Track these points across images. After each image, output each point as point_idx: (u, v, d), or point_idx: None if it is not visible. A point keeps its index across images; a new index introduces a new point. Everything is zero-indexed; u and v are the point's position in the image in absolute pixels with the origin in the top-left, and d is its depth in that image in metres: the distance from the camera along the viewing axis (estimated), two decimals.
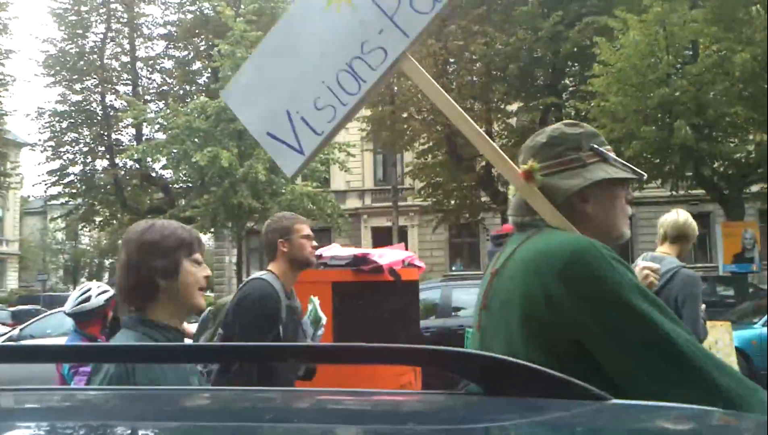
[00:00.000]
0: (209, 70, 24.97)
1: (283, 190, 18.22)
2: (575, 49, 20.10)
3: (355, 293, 5.22)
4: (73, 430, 0.98)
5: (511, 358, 1.14)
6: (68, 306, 4.34)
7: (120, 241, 2.29)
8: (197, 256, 2.05)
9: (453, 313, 11.86)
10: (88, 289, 4.35)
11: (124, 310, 2.03)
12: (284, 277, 3.48)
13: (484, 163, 23.56)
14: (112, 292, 4.26)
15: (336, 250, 5.63)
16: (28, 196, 52.36)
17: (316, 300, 3.68)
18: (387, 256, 5.60)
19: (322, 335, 3.68)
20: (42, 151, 26.24)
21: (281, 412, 1.16)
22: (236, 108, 2.29)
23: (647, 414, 1.09)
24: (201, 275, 2.05)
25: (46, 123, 26.15)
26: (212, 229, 21.35)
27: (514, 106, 23.04)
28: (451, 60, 23.04)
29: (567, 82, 21.80)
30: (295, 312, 3.51)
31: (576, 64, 21.26)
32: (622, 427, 1.04)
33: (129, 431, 0.99)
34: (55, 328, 12.88)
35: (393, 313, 5.42)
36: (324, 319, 3.64)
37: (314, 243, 3.61)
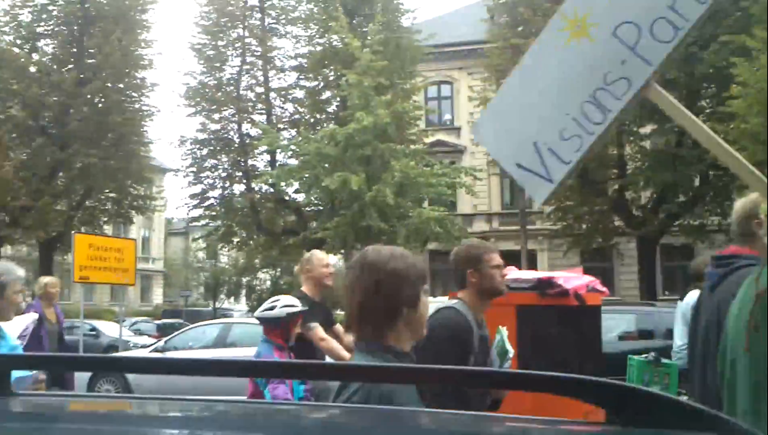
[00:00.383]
0: (338, 99, 25.66)
1: (411, 214, 18.39)
2: (711, 70, 19.17)
3: (539, 317, 5.16)
4: None
5: (656, 391, 1.13)
6: (258, 311, 4.76)
7: (345, 264, 2.39)
8: (426, 286, 2.14)
9: None
10: (277, 300, 4.69)
11: (360, 333, 2.07)
12: (474, 306, 3.37)
13: (617, 187, 22.82)
14: (298, 308, 4.59)
15: (516, 272, 5.60)
16: (172, 218, 55.62)
17: (504, 331, 3.44)
18: (571, 280, 5.51)
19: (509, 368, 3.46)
20: (184, 177, 27.76)
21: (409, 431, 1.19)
22: (486, 143, 2.45)
23: None
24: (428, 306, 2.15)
25: (187, 150, 27.60)
26: (342, 251, 21.81)
27: (647, 129, 22.21)
28: None
29: (704, 103, 20.77)
30: (485, 342, 3.41)
31: (713, 86, 20.24)
32: None
33: None
34: (196, 341, 13.61)
35: (577, 337, 5.36)
36: (511, 353, 3.39)
37: (504, 272, 3.53)
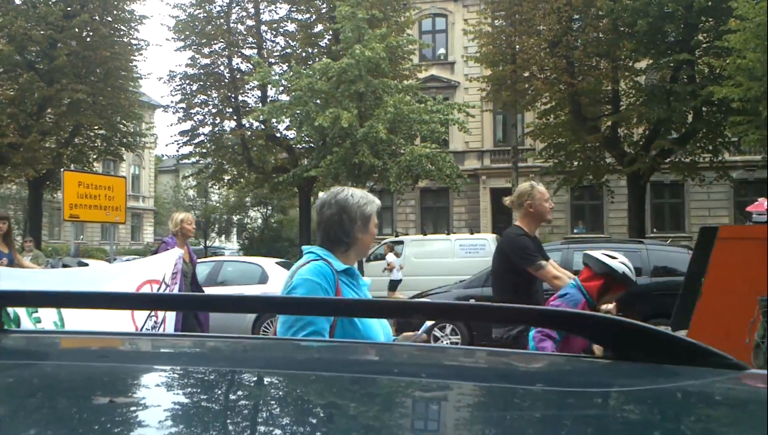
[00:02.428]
0: (330, 32, 25.25)
1: (402, 151, 18.31)
2: (709, 3, 18.91)
3: None
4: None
5: (643, 324, 1.14)
6: (592, 251, 4.37)
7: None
8: None
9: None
10: (615, 257, 4.24)
11: None
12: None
13: (609, 124, 22.75)
14: (631, 276, 4.19)
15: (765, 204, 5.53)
16: (162, 156, 55.31)
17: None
18: None
19: None
20: (174, 113, 27.54)
21: (407, 366, 1.20)
22: None
23: None
24: None
25: (177, 86, 27.32)
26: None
27: (642, 64, 22.02)
28: (576, 16, 22.23)
29: (700, 37, 20.54)
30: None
31: (710, 19, 19.98)
32: (761, 398, 1.01)
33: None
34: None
35: None
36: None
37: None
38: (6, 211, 8.40)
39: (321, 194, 2.91)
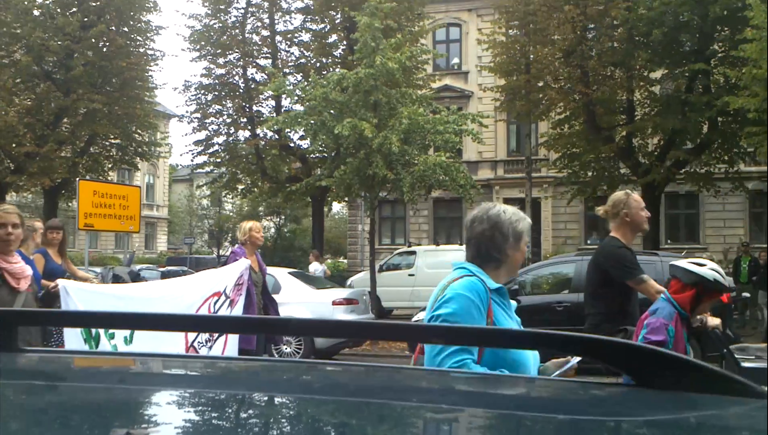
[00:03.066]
0: (344, 42, 25.29)
1: (416, 161, 18.29)
2: (725, 13, 18.80)
3: None
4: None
5: (664, 350, 1.12)
6: (680, 261, 4.16)
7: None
8: None
9: None
10: (704, 265, 4.01)
11: None
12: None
13: (624, 134, 22.64)
14: (726, 284, 4.02)
15: None
16: (177, 165, 55.55)
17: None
18: None
19: None
20: (189, 123, 27.63)
21: (421, 392, 1.19)
22: None
23: None
24: None
25: (192, 96, 27.42)
26: (346, 199, 21.81)
27: (658, 74, 21.91)
28: (591, 26, 22.18)
29: (716, 47, 20.42)
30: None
31: (726, 29, 19.87)
32: None
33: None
34: None
35: None
36: None
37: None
38: (60, 222, 8.11)
39: (471, 211, 2.84)
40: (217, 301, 6.03)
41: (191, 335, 5.62)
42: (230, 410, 1.05)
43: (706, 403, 1.02)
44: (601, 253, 4.65)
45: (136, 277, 8.52)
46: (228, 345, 6.03)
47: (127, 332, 4.95)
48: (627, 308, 4.41)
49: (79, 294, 5.01)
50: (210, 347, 5.84)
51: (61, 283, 5.04)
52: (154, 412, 1.05)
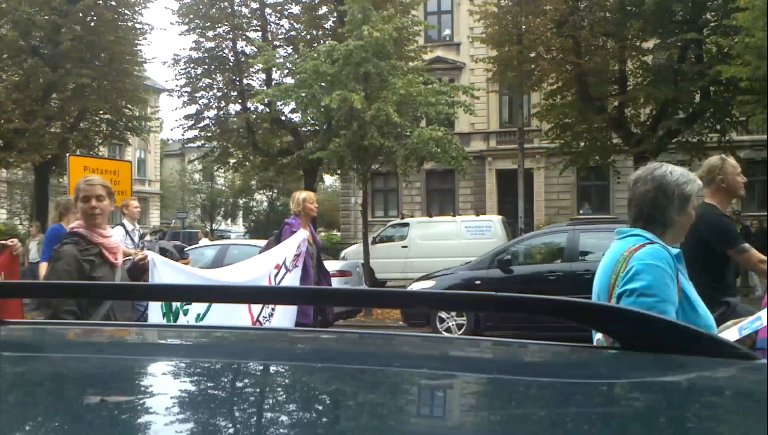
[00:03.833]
0: (335, 14, 25.06)
1: (408, 133, 18.24)
2: None
3: None
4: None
5: (649, 313, 1.12)
6: None
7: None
8: None
9: (580, 258, 11.63)
10: None
11: None
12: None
13: (616, 104, 22.61)
14: None
15: None
16: (168, 140, 55.32)
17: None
18: None
19: None
20: (179, 97, 27.42)
21: (412, 358, 1.19)
22: None
23: None
24: None
25: (182, 69, 27.20)
26: (339, 171, 21.75)
27: (650, 43, 21.83)
28: None
29: (708, 16, 20.34)
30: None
31: None
32: None
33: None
34: (194, 262, 13.69)
35: None
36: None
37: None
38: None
39: (636, 171, 2.64)
40: (277, 273, 6.04)
41: (255, 310, 5.66)
42: (225, 379, 1.05)
43: (691, 365, 1.02)
44: (701, 221, 4.48)
45: (181, 251, 8.44)
46: (285, 317, 6.02)
47: (201, 309, 5.03)
48: (727, 278, 4.24)
49: (165, 268, 5.00)
50: (270, 321, 5.86)
51: (150, 255, 4.98)
52: (135, 381, 1.05)
